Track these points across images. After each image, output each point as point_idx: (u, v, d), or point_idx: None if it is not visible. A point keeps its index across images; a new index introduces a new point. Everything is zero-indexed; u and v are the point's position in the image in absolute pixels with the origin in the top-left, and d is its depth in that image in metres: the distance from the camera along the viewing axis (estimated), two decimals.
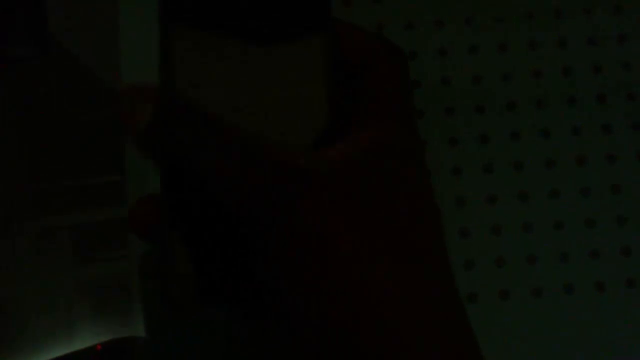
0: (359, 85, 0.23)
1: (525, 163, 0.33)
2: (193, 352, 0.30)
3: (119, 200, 0.32)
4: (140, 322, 0.31)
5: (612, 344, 0.31)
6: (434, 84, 0.33)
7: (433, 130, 0.33)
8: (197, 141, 0.20)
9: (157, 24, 0.21)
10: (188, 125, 0.20)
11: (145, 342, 0.31)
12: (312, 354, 0.20)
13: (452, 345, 0.20)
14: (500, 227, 0.32)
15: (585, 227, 0.32)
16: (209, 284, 0.21)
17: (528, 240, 0.32)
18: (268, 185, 0.20)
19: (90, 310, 0.31)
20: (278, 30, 0.21)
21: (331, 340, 0.19)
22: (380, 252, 0.20)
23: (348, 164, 0.21)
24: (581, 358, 0.31)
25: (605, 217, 0.32)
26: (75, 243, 0.32)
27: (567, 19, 0.34)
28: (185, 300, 0.22)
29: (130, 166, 0.32)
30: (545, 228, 0.32)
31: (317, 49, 0.21)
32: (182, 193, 0.21)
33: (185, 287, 0.22)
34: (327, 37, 0.22)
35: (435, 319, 0.20)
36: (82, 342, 0.31)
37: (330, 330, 0.19)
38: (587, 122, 0.33)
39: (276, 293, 0.20)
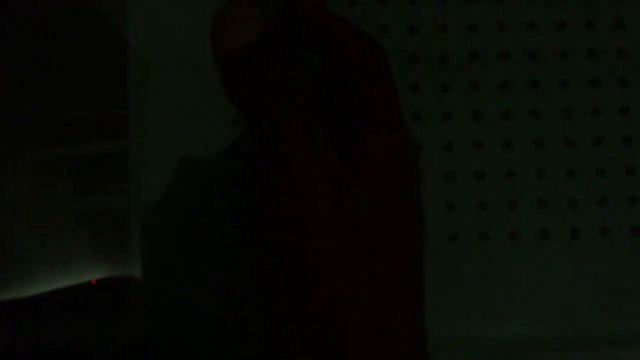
0: (346, 83, 0.22)
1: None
2: (188, 295, 0.31)
3: (119, 134, 0.32)
4: (137, 258, 0.31)
5: (581, 290, 0.33)
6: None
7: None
8: (270, 91, 0.20)
9: None
10: (274, 69, 0.20)
11: (140, 283, 0.31)
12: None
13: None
14: (485, 172, 0.34)
15: (566, 178, 0.33)
16: None
17: (510, 188, 0.33)
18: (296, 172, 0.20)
19: (87, 244, 0.32)
20: None
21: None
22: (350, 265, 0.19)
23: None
24: (552, 301, 0.32)
25: (586, 169, 0.33)
26: (74, 175, 0.32)
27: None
28: None
29: (132, 100, 0.32)
30: (530, 177, 0.33)
31: None
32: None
33: None
34: None
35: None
36: (78, 276, 0.31)
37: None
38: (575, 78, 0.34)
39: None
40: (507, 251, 0.33)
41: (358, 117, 0.22)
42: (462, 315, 0.32)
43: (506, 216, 0.33)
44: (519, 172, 0.33)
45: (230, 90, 0.21)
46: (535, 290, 0.32)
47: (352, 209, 0.20)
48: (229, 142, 0.32)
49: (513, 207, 0.33)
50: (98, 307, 0.32)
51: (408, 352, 0.20)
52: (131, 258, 0.32)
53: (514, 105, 0.34)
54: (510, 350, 0.32)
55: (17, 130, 0.32)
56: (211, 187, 0.32)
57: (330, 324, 0.19)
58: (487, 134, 0.34)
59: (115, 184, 0.32)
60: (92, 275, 0.32)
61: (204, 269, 0.31)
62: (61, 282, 0.31)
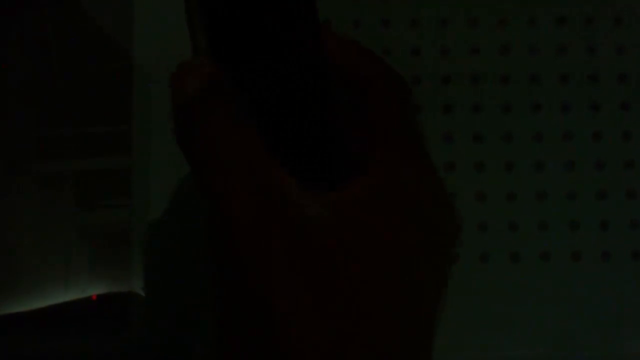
0: (360, 105, 0.21)
1: (544, 135, 0.34)
2: (188, 310, 0.31)
3: (124, 150, 0.32)
4: (139, 273, 0.31)
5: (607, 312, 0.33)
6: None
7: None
8: (210, 140, 0.19)
9: None
10: (215, 120, 0.19)
11: (141, 298, 0.31)
12: None
13: None
14: (515, 194, 0.34)
15: (596, 199, 0.34)
16: None
17: (541, 209, 0.34)
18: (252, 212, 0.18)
19: (88, 258, 0.32)
20: None
21: None
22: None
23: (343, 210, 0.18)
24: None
25: (616, 191, 0.34)
26: (78, 190, 0.32)
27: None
28: None
29: (137, 117, 0.33)
30: (559, 199, 0.34)
31: None
32: None
33: None
34: None
35: None
36: (78, 291, 0.31)
37: None
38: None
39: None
40: (538, 271, 0.33)
41: (369, 143, 0.20)
42: (493, 335, 0.32)
43: (536, 237, 0.33)
44: (550, 194, 0.34)
45: (180, 145, 0.20)
46: (566, 310, 0.33)
47: (316, 239, 0.18)
48: None
49: (544, 228, 0.33)
50: (98, 322, 0.32)
51: None
52: (132, 273, 0.32)
53: (544, 127, 0.34)
54: None
55: (22, 144, 0.33)
56: None
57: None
58: (518, 155, 0.34)
59: (116, 199, 0.32)
60: (92, 290, 0.32)
61: (206, 283, 0.31)
62: (61, 297, 0.32)
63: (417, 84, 0.35)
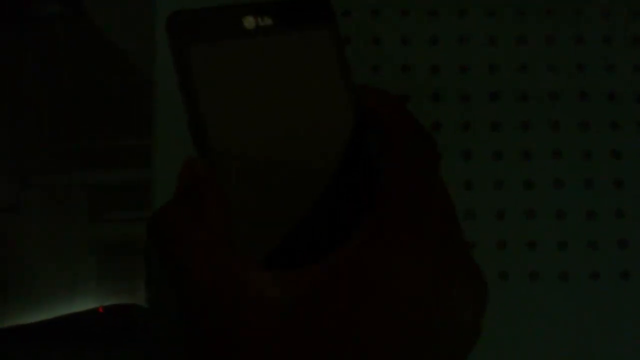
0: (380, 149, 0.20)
1: (563, 152, 0.34)
2: None
3: (143, 164, 0.32)
4: (144, 287, 0.31)
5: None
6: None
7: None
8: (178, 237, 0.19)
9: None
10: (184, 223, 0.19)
11: (146, 311, 0.31)
12: None
13: None
14: (535, 212, 0.33)
15: (615, 218, 0.33)
16: None
17: (560, 227, 0.33)
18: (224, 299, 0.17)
19: (96, 271, 0.32)
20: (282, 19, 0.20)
21: None
22: None
23: (308, 296, 0.17)
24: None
25: (635, 210, 0.33)
26: (92, 202, 0.32)
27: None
28: None
29: (158, 131, 0.32)
30: (579, 218, 0.33)
31: (327, 39, 0.20)
32: None
33: None
34: (333, 28, 0.20)
35: None
36: (85, 303, 0.31)
37: None
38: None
39: None
40: (556, 291, 0.32)
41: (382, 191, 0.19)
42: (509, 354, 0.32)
43: (556, 256, 0.33)
44: (569, 212, 0.33)
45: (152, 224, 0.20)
46: (585, 329, 0.32)
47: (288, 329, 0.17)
48: None
49: (562, 248, 0.33)
50: (104, 333, 0.31)
51: None
52: (138, 286, 0.31)
53: (562, 145, 0.34)
54: None
55: (37, 156, 0.33)
56: None
57: None
58: (537, 174, 0.33)
59: (125, 213, 0.32)
60: (99, 302, 0.32)
61: None
62: (68, 309, 0.31)
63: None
